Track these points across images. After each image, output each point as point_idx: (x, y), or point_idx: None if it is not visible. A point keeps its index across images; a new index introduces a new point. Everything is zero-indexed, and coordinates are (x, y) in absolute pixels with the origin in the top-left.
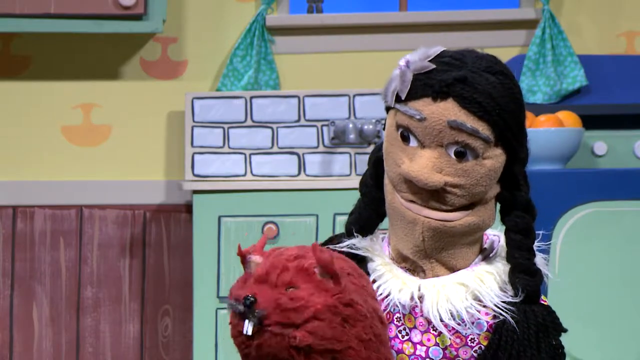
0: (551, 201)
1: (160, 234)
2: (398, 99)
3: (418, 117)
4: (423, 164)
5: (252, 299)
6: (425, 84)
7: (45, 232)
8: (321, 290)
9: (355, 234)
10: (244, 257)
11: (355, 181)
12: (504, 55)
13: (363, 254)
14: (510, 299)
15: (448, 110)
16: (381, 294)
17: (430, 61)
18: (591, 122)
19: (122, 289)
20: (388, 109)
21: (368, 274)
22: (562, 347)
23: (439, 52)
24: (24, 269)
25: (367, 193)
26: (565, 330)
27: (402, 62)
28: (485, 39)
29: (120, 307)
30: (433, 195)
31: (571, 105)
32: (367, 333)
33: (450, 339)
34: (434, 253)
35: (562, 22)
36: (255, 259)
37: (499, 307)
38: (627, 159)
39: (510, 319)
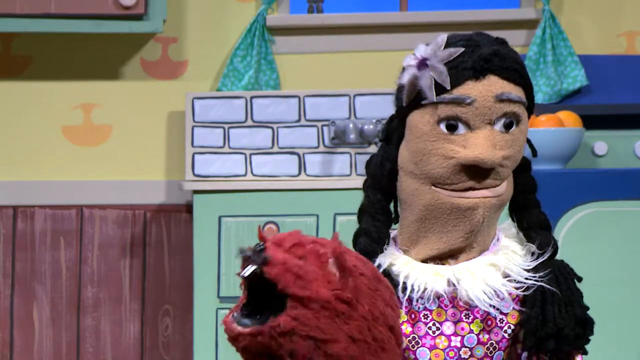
0: (551, 201)
1: (160, 234)
2: (438, 92)
3: (468, 100)
4: (483, 144)
5: (262, 246)
6: (462, 69)
7: (46, 232)
8: (324, 279)
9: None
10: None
11: (355, 181)
12: None
13: (387, 265)
14: (535, 264)
15: (492, 85)
16: (418, 290)
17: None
18: (591, 122)
19: (122, 289)
20: (408, 111)
21: (398, 282)
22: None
23: (446, 39)
24: (24, 269)
25: (381, 210)
26: (580, 279)
27: (413, 62)
28: None
29: (120, 307)
30: (489, 174)
31: (571, 105)
32: (361, 333)
33: (483, 322)
34: (481, 234)
35: (562, 22)
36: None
37: (529, 279)
38: (627, 159)
39: (546, 285)
